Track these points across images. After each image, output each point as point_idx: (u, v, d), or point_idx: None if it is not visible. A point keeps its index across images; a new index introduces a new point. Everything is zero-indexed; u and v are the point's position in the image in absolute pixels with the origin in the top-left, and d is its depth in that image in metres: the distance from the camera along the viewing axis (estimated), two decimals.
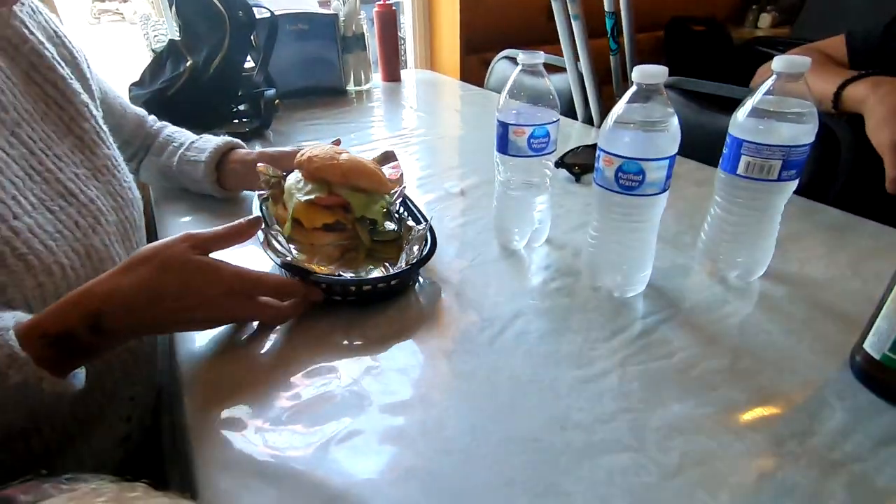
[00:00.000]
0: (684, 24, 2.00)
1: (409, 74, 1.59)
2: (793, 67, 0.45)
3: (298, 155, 0.57)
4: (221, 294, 0.43)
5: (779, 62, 0.46)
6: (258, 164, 0.61)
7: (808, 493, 0.33)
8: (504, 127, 0.55)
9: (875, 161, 0.68)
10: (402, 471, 0.35)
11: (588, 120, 1.07)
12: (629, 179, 0.46)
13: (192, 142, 0.73)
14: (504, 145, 0.55)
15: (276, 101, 1.03)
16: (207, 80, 0.96)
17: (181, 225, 0.69)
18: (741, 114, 0.49)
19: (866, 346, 0.40)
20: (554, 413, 0.39)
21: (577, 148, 0.82)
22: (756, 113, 0.48)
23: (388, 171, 0.62)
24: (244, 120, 1.07)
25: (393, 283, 0.51)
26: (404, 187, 0.62)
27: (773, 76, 0.47)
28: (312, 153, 0.56)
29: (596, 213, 0.51)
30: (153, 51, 1.07)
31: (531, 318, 0.50)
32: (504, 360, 0.45)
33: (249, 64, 1.09)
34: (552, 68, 1.19)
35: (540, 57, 0.53)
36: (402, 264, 0.52)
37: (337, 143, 0.68)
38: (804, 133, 0.47)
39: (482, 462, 0.36)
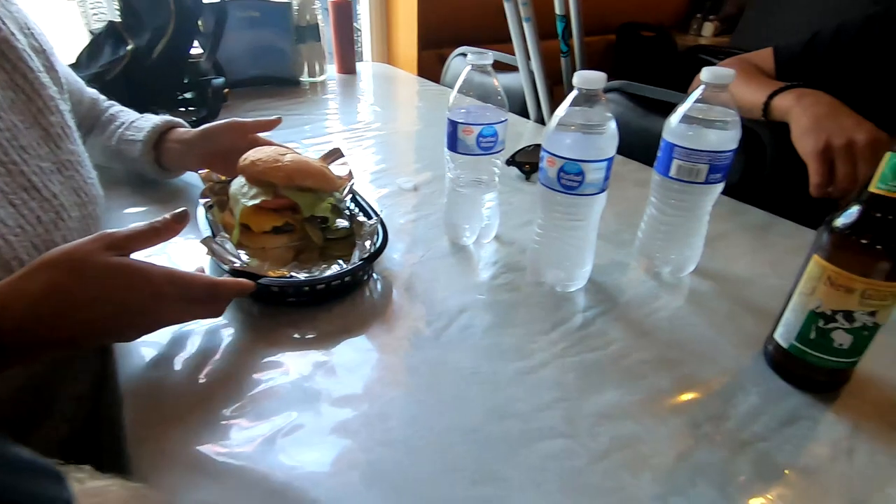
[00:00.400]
0: (634, 29, 2.08)
1: (364, 67, 1.57)
2: (719, 79, 0.48)
3: (241, 160, 0.56)
4: (149, 298, 0.39)
5: (706, 73, 0.49)
6: (200, 171, 0.60)
7: (719, 471, 0.36)
8: (453, 125, 0.56)
9: (797, 165, 0.74)
10: (345, 462, 0.36)
11: (540, 119, 1.10)
12: (570, 179, 0.48)
13: (133, 121, 0.70)
14: (454, 143, 0.57)
15: (225, 90, 1.00)
16: (150, 65, 0.92)
17: (125, 217, 0.66)
18: (674, 119, 0.52)
19: (776, 336, 0.44)
20: (494, 403, 0.41)
21: (528, 147, 0.84)
22: (686, 119, 0.51)
23: (335, 168, 0.62)
24: (191, 109, 1.03)
25: (346, 279, 0.51)
26: (353, 183, 0.62)
27: (702, 86, 0.50)
28: (255, 157, 0.55)
29: (540, 211, 0.53)
30: (91, 31, 1.01)
31: (477, 312, 0.51)
32: (449, 353, 0.46)
33: (197, 51, 1.05)
34: (507, 67, 1.21)
35: (489, 58, 0.54)
36: (354, 260, 0.52)
37: (277, 121, 0.67)
38: (729, 139, 0.50)
39: (423, 452, 0.37)
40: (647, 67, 2.01)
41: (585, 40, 1.14)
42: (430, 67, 1.62)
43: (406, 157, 0.94)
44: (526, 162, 0.82)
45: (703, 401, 0.42)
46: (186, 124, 0.71)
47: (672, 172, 0.52)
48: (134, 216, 0.66)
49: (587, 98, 0.47)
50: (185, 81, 1.02)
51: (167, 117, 0.70)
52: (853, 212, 0.38)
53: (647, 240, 0.58)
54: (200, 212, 0.56)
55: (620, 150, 0.96)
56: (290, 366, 0.44)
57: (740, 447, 0.38)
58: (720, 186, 0.53)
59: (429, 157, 0.89)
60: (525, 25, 0.96)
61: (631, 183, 0.80)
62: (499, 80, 0.56)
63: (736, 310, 0.53)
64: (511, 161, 0.81)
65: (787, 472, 0.36)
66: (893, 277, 0.37)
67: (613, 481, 0.35)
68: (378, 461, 0.36)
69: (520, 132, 1.03)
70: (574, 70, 1.09)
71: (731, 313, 0.52)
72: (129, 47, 0.91)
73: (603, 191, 0.50)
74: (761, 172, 0.85)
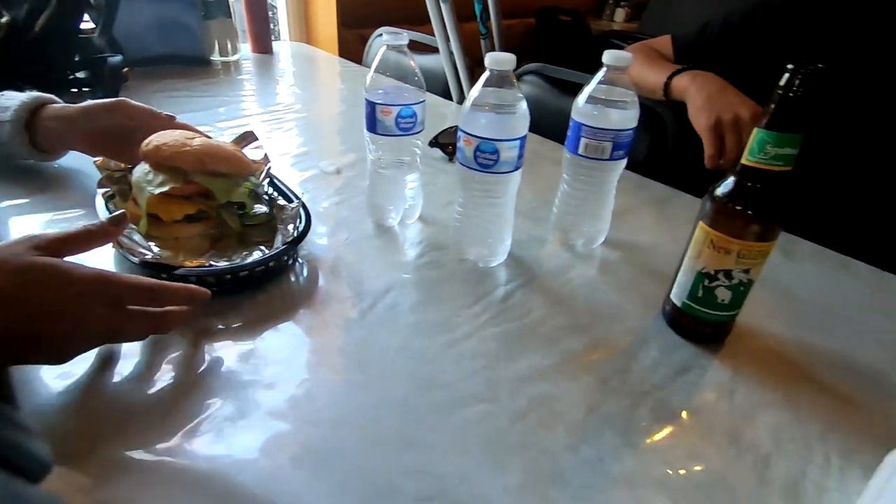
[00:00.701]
0: (552, 13, 2.14)
1: (282, 47, 1.51)
2: (618, 61, 0.52)
3: (143, 145, 0.52)
4: (70, 300, 0.35)
5: (608, 56, 0.52)
6: (95, 159, 0.55)
7: (623, 419, 0.40)
8: (371, 106, 0.56)
9: (695, 142, 0.81)
10: (273, 446, 0.36)
11: (462, 101, 1.12)
12: (486, 158, 0.50)
13: None
14: (372, 124, 0.57)
15: (124, 68, 0.92)
16: (32, 41, 0.82)
17: (2, 212, 0.60)
18: (580, 100, 0.55)
19: (672, 296, 0.49)
20: (421, 376, 0.43)
21: (451, 128, 0.86)
22: (591, 100, 0.54)
23: (250, 152, 0.60)
24: (84, 89, 0.94)
25: (270, 265, 0.50)
26: (270, 167, 0.60)
27: (604, 68, 0.53)
28: (160, 141, 0.52)
29: (460, 190, 0.55)
30: None
31: (402, 291, 0.52)
32: (376, 332, 0.47)
33: (90, 25, 0.96)
34: (429, 48, 1.21)
35: (404, 38, 0.54)
36: (277, 245, 0.51)
37: (171, 119, 0.62)
38: (629, 118, 0.54)
39: (350, 427, 0.38)
40: (565, 51, 2.08)
41: (505, 23, 1.16)
42: (352, 48, 1.58)
43: (328, 140, 0.92)
44: (449, 143, 0.83)
45: (611, 358, 0.46)
46: (59, 100, 0.65)
47: (580, 150, 0.56)
48: (13, 209, 0.60)
49: (499, 79, 0.49)
50: (77, 59, 0.93)
51: (36, 93, 0.63)
52: (729, 182, 0.43)
53: (561, 215, 0.62)
54: (99, 202, 0.52)
55: (539, 131, 1.00)
56: (214, 356, 0.43)
57: (641, 397, 0.42)
58: (623, 162, 0.57)
59: (352, 139, 0.88)
60: (443, 6, 0.96)
61: (548, 161, 0.84)
62: (418, 62, 0.57)
63: (640, 276, 0.58)
64: (434, 142, 0.82)
65: (681, 414, 0.41)
66: (763, 238, 0.42)
67: (531, 438, 0.38)
68: (306, 441, 0.36)
69: (443, 113, 1.04)
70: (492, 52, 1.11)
71: (636, 279, 0.57)
72: (4, 20, 0.81)
73: (517, 168, 0.52)
74: (664, 150, 0.92)
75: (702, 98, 0.77)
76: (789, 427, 0.40)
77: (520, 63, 1.21)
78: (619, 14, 2.54)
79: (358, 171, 0.76)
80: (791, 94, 0.38)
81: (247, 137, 0.64)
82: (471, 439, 0.38)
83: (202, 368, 0.41)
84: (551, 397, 0.41)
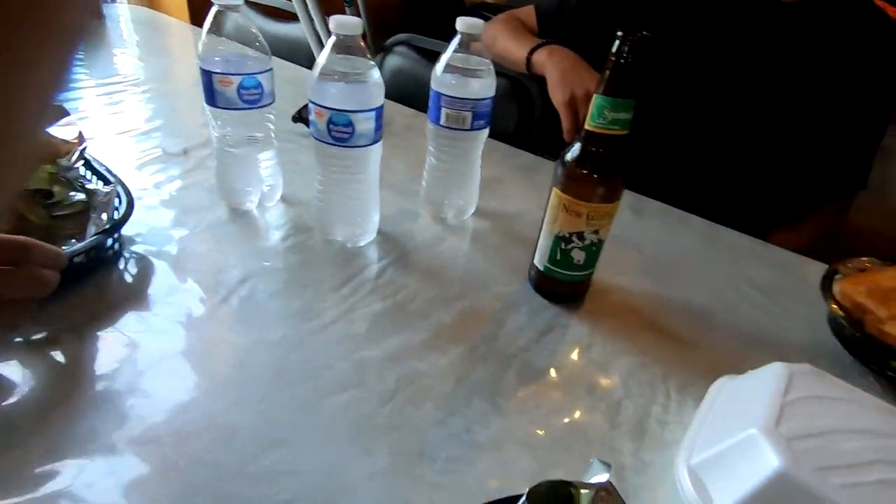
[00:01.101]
0: None
1: (122, 11, 1.31)
2: (470, 28, 0.51)
3: None
4: None
5: (460, 23, 0.51)
6: None
7: (491, 385, 0.40)
8: (208, 76, 0.49)
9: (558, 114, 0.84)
10: (101, 475, 0.31)
11: None
12: (340, 131, 0.47)
13: None
14: (211, 97, 0.50)
15: None
16: None
17: None
18: (438, 69, 0.54)
19: (535, 261, 0.51)
20: (282, 369, 0.39)
21: None
22: (449, 69, 0.53)
23: (58, 130, 0.50)
24: None
25: (78, 260, 0.42)
26: (85, 147, 0.51)
27: (458, 35, 0.52)
28: None
29: (318, 166, 0.51)
30: None
31: (260, 279, 0.48)
32: (229, 328, 0.43)
33: None
34: (288, 14, 1.12)
35: None
36: (90, 236, 0.43)
37: None
38: (487, 87, 0.54)
39: (200, 436, 0.34)
40: (437, 22, 2.07)
41: None
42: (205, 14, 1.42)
43: (177, 117, 0.81)
44: None
45: (480, 327, 0.46)
46: None
47: (442, 121, 0.55)
48: None
49: (347, 46, 0.46)
50: None
51: None
52: (576, 147, 0.45)
53: (430, 188, 0.61)
54: None
55: (412, 104, 0.97)
56: (25, 370, 0.35)
57: (508, 360, 0.43)
58: (485, 132, 0.57)
59: (203, 116, 0.79)
60: None
61: (420, 135, 0.82)
62: (280, 29, 0.51)
63: (509, 243, 0.59)
64: (297, 117, 0.77)
65: (545, 374, 0.42)
66: (608, 200, 0.45)
67: (399, 418, 0.37)
68: (136, 466, 0.32)
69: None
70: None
71: (506, 247, 0.59)
72: None
73: (377, 142, 0.50)
74: (532, 120, 0.95)
75: (557, 74, 0.80)
76: (637, 372, 0.44)
77: (393, 34, 1.18)
78: None
79: (210, 151, 0.68)
80: (622, 61, 0.40)
81: (55, 112, 0.54)
82: (338, 428, 0.36)
83: (11, 385, 0.34)
84: (420, 374, 0.41)
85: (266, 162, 0.56)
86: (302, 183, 0.64)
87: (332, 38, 0.45)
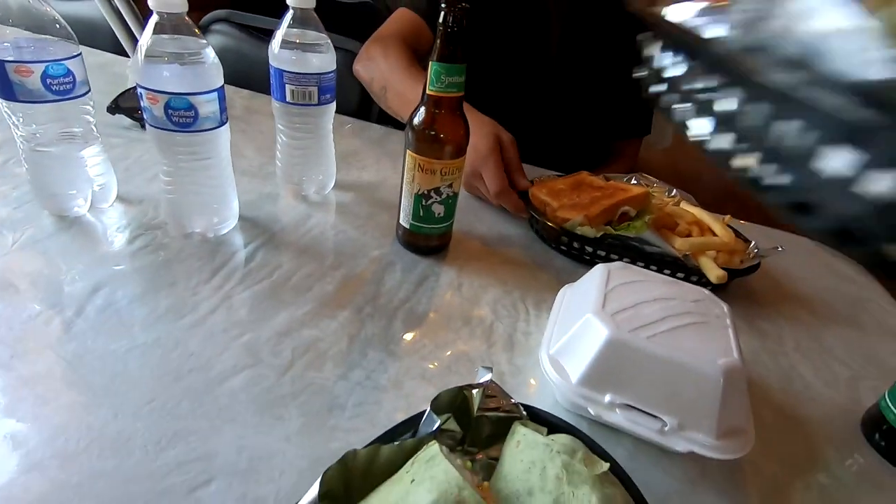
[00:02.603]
0: None
1: None
2: (302, 3, 0.52)
3: None
4: None
5: None
6: None
7: (382, 336, 0.44)
8: None
9: None
10: None
11: None
12: (182, 116, 0.45)
13: None
14: (8, 90, 0.44)
15: None
16: None
17: None
18: (275, 46, 0.54)
19: (401, 221, 0.55)
20: (166, 369, 0.38)
21: (134, 89, 0.72)
22: (287, 45, 0.53)
23: None
24: None
25: None
26: None
27: (291, 10, 0.52)
28: None
29: (161, 156, 0.48)
30: None
31: (117, 285, 0.44)
32: (92, 340, 0.39)
33: None
34: None
35: None
36: None
37: None
38: (328, 61, 0.56)
39: (89, 450, 0.32)
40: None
41: None
42: None
43: None
44: (136, 107, 0.70)
45: (362, 289, 0.49)
46: None
47: (288, 98, 0.55)
48: None
49: (173, 25, 0.43)
50: None
51: None
52: (422, 111, 0.49)
53: (286, 167, 0.61)
54: None
55: (246, 84, 0.93)
56: None
57: (394, 313, 0.47)
58: (333, 105, 0.59)
59: None
60: None
61: (264, 115, 0.80)
62: (65, 10, 0.45)
63: (373, 210, 0.62)
64: (115, 108, 0.69)
65: (426, 316, 0.47)
66: (457, 155, 0.50)
67: (302, 383, 0.39)
68: (23, 496, 0.29)
69: (119, 73, 0.87)
70: None
71: (371, 213, 0.62)
72: None
73: (223, 124, 0.48)
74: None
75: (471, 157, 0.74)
76: (502, 298, 0.51)
77: (208, 10, 1.08)
78: None
79: (8, 155, 0.58)
80: (449, 31, 0.45)
81: None
82: (240, 407, 0.36)
83: None
84: (314, 340, 0.43)
85: (93, 159, 0.51)
86: (140, 178, 0.59)
87: (154, 18, 0.42)
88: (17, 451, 0.31)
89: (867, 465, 0.41)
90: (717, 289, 0.54)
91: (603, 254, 0.57)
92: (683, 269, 0.55)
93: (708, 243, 0.56)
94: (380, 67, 0.76)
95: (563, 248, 0.60)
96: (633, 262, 0.54)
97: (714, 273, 0.53)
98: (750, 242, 0.59)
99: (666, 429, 0.35)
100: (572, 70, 0.90)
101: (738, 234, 0.60)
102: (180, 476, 0.31)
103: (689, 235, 0.58)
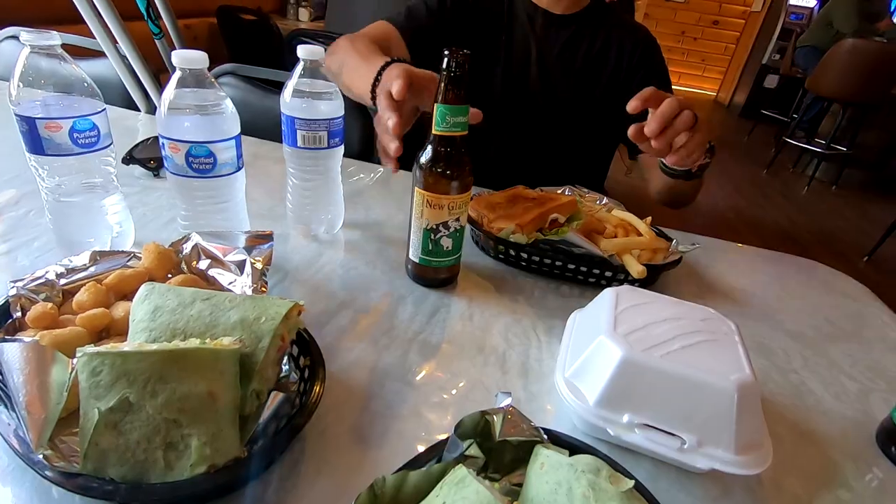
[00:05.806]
0: (233, 12, 2.05)
1: None
2: (312, 55, 0.55)
3: None
4: None
5: (302, 51, 0.55)
6: None
7: (399, 366, 0.45)
8: (29, 123, 0.45)
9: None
10: None
11: (153, 110, 0.99)
12: (201, 163, 0.47)
13: None
14: (37, 145, 0.46)
15: None
16: None
17: None
18: (287, 95, 0.57)
19: (410, 255, 0.56)
20: None
21: (147, 140, 0.76)
22: (298, 94, 0.57)
23: None
24: None
25: None
26: None
27: (301, 62, 0.56)
28: None
29: (180, 201, 0.50)
30: None
31: None
32: None
33: None
34: (93, 53, 1.02)
35: (54, 37, 0.45)
36: None
37: None
38: (337, 107, 0.59)
39: None
40: (255, 51, 2.03)
41: (183, 22, 1.06)
42: None
43: None
44: (149, 158, 0.74)
45: (376, 322, 0.51)
46: None
47: (299, 143, 0.58)
48: None
49: (195, 79, 0.46)
50: None
51: None
52: (429, 150, 0.52)
53: (296, 208, 0.63)
54: None
55: (250, 132, 0.96)
56: None
57: (408, 343, 0.48)
58: (341, 148, 0.61)
59: (10, 169, 0.69)
60: (98, 3, 0.82)
61: (271, 161, 0.83)
62: (82, 67, 0.48)
63: (382, 246, 0.64)
64: (129, 159, 0.72)
65: (440, 347, 0.48)
66: (463, 190, 0.53)
67: (320, 419, 0.39)
68: None
69: (131, 126, 0.90)
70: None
71: (380, 250, 0.63)
72: None
73: (240, 169, 0.51)
74: (374, 136, 1.01)
75: None
76: (513, 326, 0.52)
77: (211, 65, 1.14)
78: (304, 13, 2.61)
79: (30, 206, 0.60)
80: (453, 74, 0.48)
81: None
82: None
83: None
84: (331, 374, 0.43)
85: (114, 207, 0.53)
86: (156, 224, 0.61)
87: (177, 73, 0.45)
88: None
89: (886, 479, 0.41)
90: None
91: (537, 258, 0.61)
92: (610, 267, 0.59)
93: (630, 243, 0.61)
94: (342, 50, 0.75)
95: (500, 256, 0.63)
96: (564, 264, 0.60)
97: (635, 269, 0.57)
98: (671, 241, 0.64)
99: (685, 447, 0.35)
100: (559, 107, 0.93)
101: (660, 233, 0.66)
102: None
103: (615, 237, 0.63)
